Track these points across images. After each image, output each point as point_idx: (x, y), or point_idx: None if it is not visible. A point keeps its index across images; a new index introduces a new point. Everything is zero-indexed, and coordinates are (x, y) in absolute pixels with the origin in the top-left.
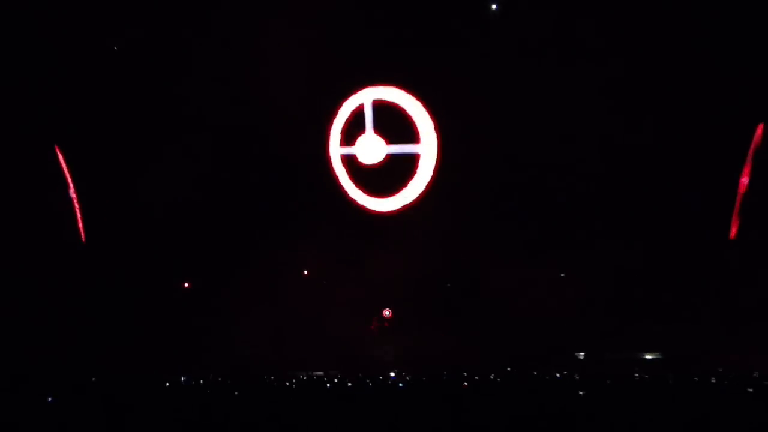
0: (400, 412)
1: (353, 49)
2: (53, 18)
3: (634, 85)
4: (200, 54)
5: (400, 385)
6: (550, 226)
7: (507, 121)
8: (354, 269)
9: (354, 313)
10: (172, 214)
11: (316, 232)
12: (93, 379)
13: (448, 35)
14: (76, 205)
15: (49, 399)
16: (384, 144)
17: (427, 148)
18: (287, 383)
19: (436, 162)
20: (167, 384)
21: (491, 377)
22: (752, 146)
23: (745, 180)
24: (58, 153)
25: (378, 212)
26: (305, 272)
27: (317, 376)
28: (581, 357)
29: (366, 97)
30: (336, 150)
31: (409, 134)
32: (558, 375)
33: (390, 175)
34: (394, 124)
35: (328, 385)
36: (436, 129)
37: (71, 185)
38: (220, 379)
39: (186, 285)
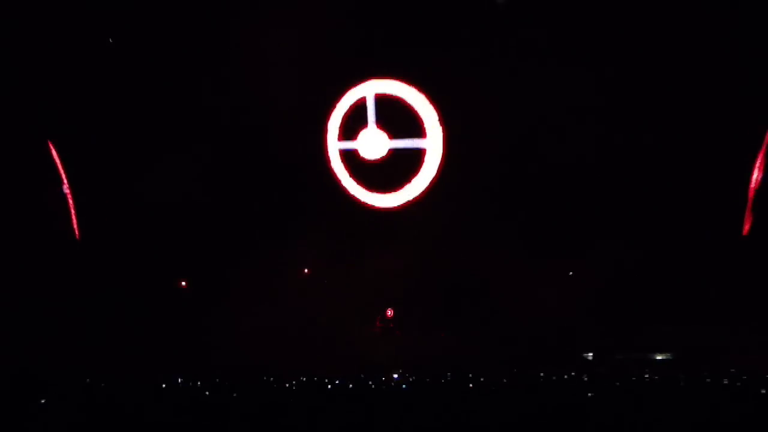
0: (404, 413)
1: (354, 42)
2: (45, 10)
3: (646, 78)
4: (196, 46)
5: (404, 386)
6: (558, 222)
7: (514, 116)
8: (355, 267)
9: (356, 312)
10: (166, 210)
11: (315, 229)
12: (87, 380)
13: (454, 27)
14: (70, 202)
15: (42, 400)
16: (387, 138)
17: (432, 143)
18: (287, 384)
19: (442, 157)
20: (163, 385)
21: (497, 378)
22: (766, 140)
23: (757, 175)
24: (51, 148)
25: (380, 208)
26: (306, 270)
27: (318, 376)
28: (590, 357)
29: (368, 90)
30: (337, 145)
31: (414, 128)
32: (566, 376)
33: (392, 170)
34: (397, 118)
35: (329, 386)
36: (441, 123)
37: (65, 181)
38: (218, 380)
39: (183, 283)
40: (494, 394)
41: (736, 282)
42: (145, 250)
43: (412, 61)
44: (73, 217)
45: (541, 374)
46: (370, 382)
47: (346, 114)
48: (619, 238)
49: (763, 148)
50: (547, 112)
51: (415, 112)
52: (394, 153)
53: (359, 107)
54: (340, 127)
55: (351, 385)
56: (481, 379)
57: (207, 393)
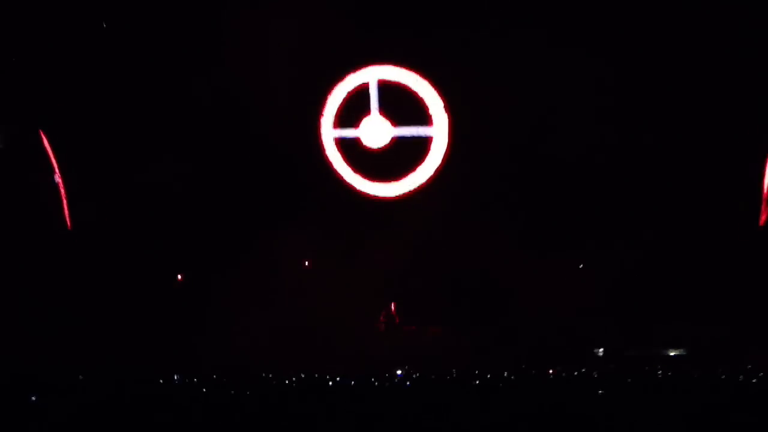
0: (408, 411)
1: (354, 26)
2: None
3: (660, 68)
4: (188, 30)
5: (407, 383)
6: (568, 214)
7: (523, 104)
8: (355, 260)
9: (357, 307)
10: (158, 200)
11: (312, 221)
12: (80, 377)
13: (460, 12)
14: (62, 191)
15: (33, 397)
16: (391, 126)
17: (439, 131)
18: (287, 381)
19: (447, 145)
20: (160, 381)
21: (504, 375)
22: None
23: None
24: (43, 137)
25: (380, 198)
26: (306, 263)
27: (319, 373)
28: (600, 353)
29: (370, 76)
30: (332, 132)
31: (419, 116)
32: (575, 373)
33: (393, 159)
34: (401, 105)
35: (330, 383)
36: (447, 110)
37: (56, 170)
38: (215, 377)
39: (179, 277)
40: (501, 391)
41: (751, 277)
42: (137, 241)
43: (415, 46)
44: (65, 206)
45: (550, 371)
46: (373, 380)
47: (344, 100)
48: (630, 231)
49: None
50: (557, 101)
51: (420, 99)
52: (394, 141)
53: (359, 94)
54: (337, 114)
55: (353, 383)
56: (488, 376)
57: (204, 390)
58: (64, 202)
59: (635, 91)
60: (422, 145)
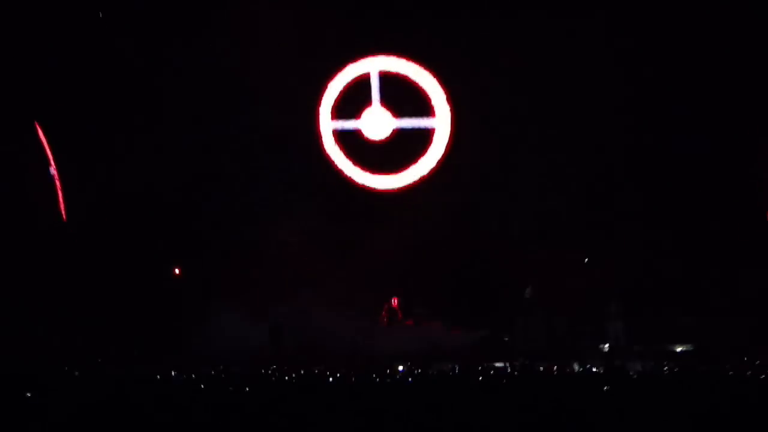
0: (410, 408)
1: (354, 17)
2: None
3: (664, 59)
4: (185, 19)
5: (409, 379)
6: (573, 208)
7: (527, 96)
8: (356, 254)
9: (357, 302)
10: (154, 193)
11: (313, 215)
12: (76, 373)
13: (462, 3)
14: (57, 183)
15: (28, 394)
16: (392, 117)
17: (441, 122)
18: (286, 377)
19: (449, 137)
20: (158, 377)
21: (507, 371)
22: None
23: None
24: (38, 130)
25: (381, 191)
26: (304, 258)
27: (319, 369)
28: (605, 349)
29: (371, 67)
30: (335, 125)
31: (421, 107)
32: (581, 368)
33: (393, 151)
34: (402, 97)
35: (330, 379)
36: (449, 101)
37: (52, 163)
38: (213, 373)
39: (177, 271)
40: (504, 387)
41: (759, 272)
42: (133, 233)
43: (417, 37)
44: (60, 198)
45: (555, 367)
46: (374, 375)
47: (342, 92)
48: (638, 224)
49: None
50: (561, 91)
51: (422, 90)
52: (395, 133)
53: (358, 85)
54: (335, 106)
55: (353, 379)
56: (491, 372)
57: (202, 387)
58: (60, 194)
59: (641, 84)
60: (424, 137)
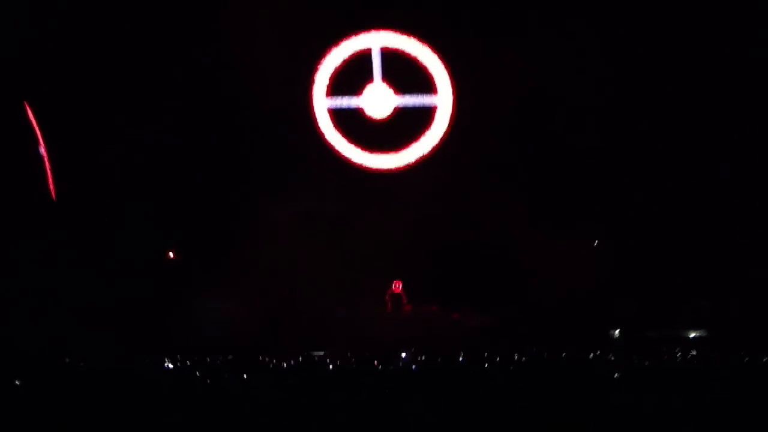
0: (414, 396)
1: None
2: None
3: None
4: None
5: (413, 366)
6: (582, 188)
7: (531, 73)
8: (356, 236)
9: (356, 286)
10: (147, 174)
11: (311, 196)
12: (66, 360)
13: None
14: (47, 163)
15: (17, 381)
16: (394, 95)
17: (443, 100)
18: (284, 364)
19: (451, 115)
20: (148, 363)
21: (515, 358)
22: None
23: None
24: (27, 109)
25: (380, 170)
26: (301, 241)
27: (318, 356)
28: (616, 335)
29: (372, 43)
30: (330, 102)
31: (423, 85)
32: (590, 355)
33: (393, 130)
34: (404, 74)
35: (330, 366)
36: (451, 78)
37: (41, 142)
38: (208, 359)
39: (171, 255)
40: (512, 374)
41: None
42: (123, 213)
43: (418, 12)
44: (50, 178)
45: (563, 353)
46: (376, 363)
47: (337, 69)
48: (650, 204)
49: None
50: (566, 69)
51: (424, 66)
52: (395, 111)
53: (355, 62)
54: (331, 82)
55: (354, 366)
56: (497, 359)
57: (197, 374)
58: (49, 173)
59: (650, 65)
60: (426, 115)
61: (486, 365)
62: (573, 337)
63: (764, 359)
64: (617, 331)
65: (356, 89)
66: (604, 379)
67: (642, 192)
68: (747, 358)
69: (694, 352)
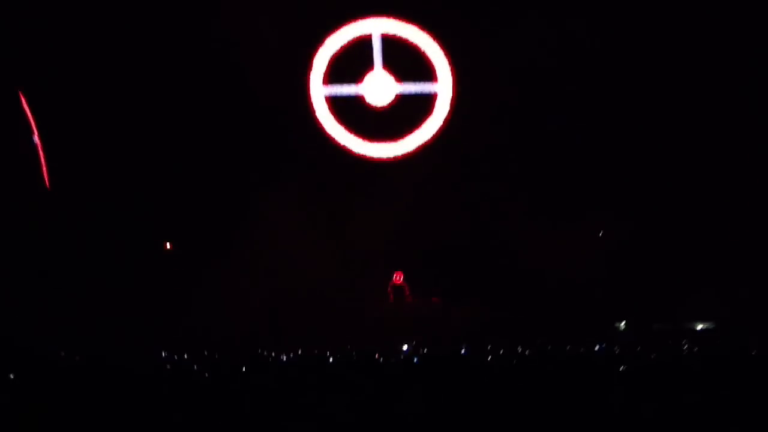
0: (415, 389)
1: None
2: None
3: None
4: None
5: (415, 359)
6: (585, 177)
7: (532, 61)
8: (355, 226)
9: (355, 277)
10: (142, 164)
11: (309, 186)
12: (62, 353)
13: None
14: (41, 152)
15: (11, 375)
16: (395, 82)
17: (443, 87)
18: (284, 357)
19: (452, 102)
20: (145, 356)
21: (518, 350)
22: None
23: None
24: (21, 98)
25: (379, 159)
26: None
27: (317, 348)
28: (622, 327)
29: (373, 29)
30: (329, 90)
31: (423, 72)
32: (595, 348)
33: (391, 118)
34: (403, 61)
35: (330, 359)
36: (451, 65)
37: (35, 131)
38: (206, 353)
39: (167, 246)
40: (515, 367)
41: None
42: (119, 204)
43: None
44: (44, 167)
45: (568, 346)
46: (377, 355)
47: (334, 56)
48: (656, 193)
49: None
50: (568, 57)
51: (424, 54)
52: (396, 99)
53: (353, 49)
54: (329, 70)
55: (355, 359)
56: (501, 352)
57: (195, 367)
58: (43, 162)
59: (655, 55)
60: (426, 102)
61: (489, 358)
62: (578, 329)
63: None
64: (623, 324)
65: (356, 77)
66: (609, 372)
67: (647, 182)
68: (754, 352)
69: (701, 345)
